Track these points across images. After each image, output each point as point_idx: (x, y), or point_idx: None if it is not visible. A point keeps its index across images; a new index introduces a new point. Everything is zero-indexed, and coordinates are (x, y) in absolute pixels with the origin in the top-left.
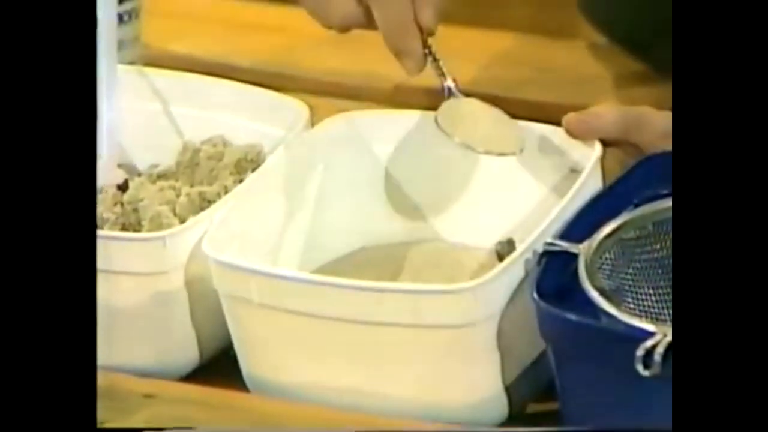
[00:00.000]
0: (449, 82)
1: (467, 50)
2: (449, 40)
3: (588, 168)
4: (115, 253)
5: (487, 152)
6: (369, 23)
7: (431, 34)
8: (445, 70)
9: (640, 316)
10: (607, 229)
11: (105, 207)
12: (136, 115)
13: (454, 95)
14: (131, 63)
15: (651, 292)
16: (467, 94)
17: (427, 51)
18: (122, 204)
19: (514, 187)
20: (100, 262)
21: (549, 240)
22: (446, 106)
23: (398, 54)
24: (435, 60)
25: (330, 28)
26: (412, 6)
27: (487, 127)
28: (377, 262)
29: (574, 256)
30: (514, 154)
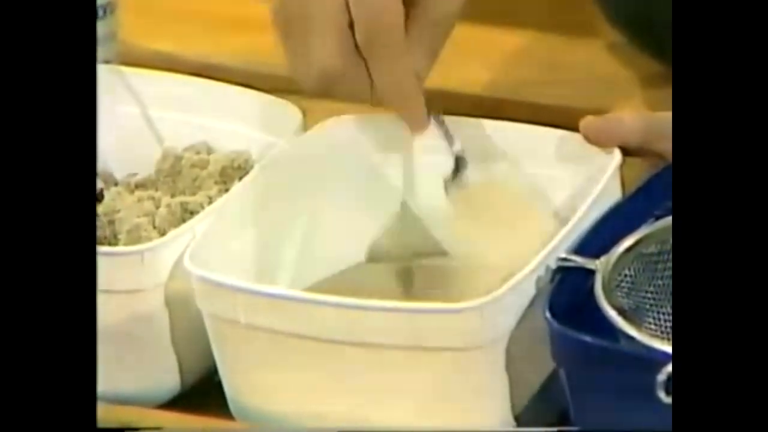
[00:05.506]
0: (456, 148)
1: (478, 50)
2: (459, 38)
3: (606, 177)
4: None
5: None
6: (356, 79)
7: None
8: (452, 133)
9: (662, 338)
10: (626, 243)
11: None
12: (113, 118)
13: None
14: (107, 61)
15: None
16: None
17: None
18: (97, 216)
19: (525, 197)
20: None
21: (563, 255)
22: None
23: (401, 115)
24: (440, 122)
25: (307, 87)
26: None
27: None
28: (376, 279)
29: (591, 273)
30: None
